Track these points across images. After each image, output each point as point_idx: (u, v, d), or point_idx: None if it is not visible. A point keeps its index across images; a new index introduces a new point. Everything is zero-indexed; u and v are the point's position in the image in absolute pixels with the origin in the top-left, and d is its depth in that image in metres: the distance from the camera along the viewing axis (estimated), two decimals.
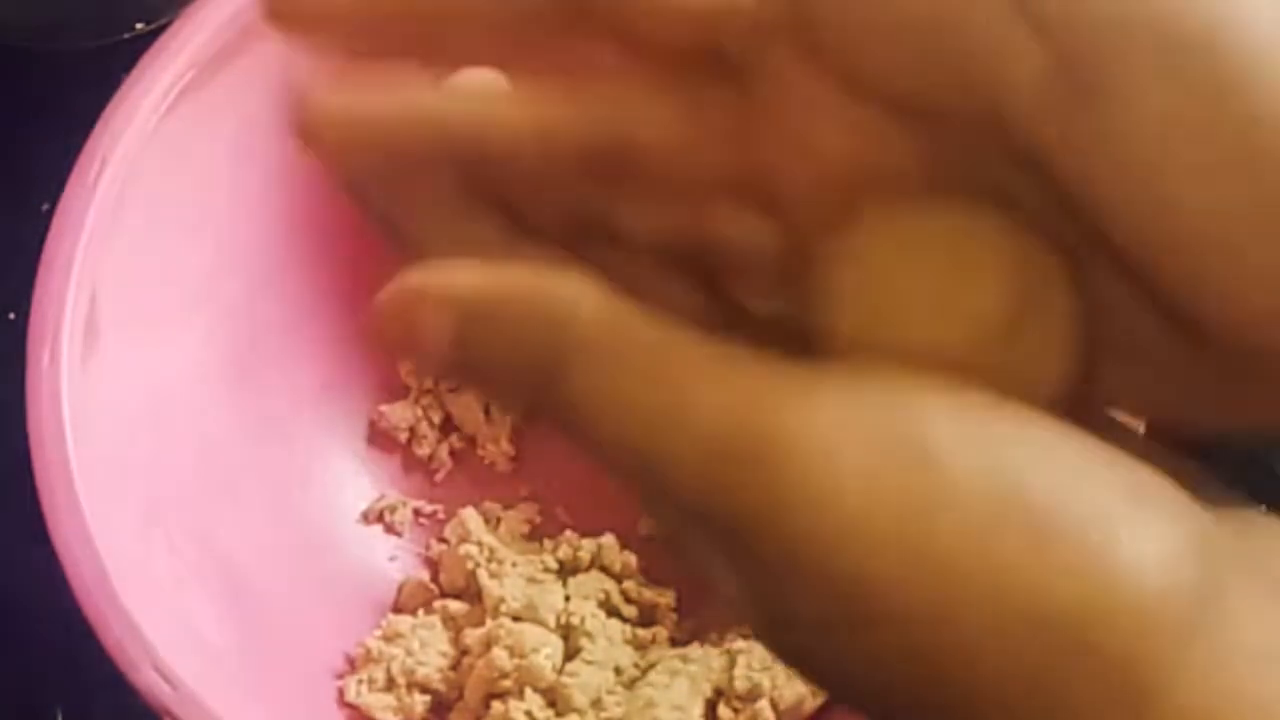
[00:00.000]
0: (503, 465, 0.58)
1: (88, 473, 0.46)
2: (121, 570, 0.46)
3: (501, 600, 0.53)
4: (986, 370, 0.24)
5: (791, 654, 0.24)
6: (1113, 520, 0.21)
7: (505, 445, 0.58)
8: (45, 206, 0.49)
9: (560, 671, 0.52)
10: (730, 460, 0.22)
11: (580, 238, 0.25)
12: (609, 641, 0.53)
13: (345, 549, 0.56)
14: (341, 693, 0.53)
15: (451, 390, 0.58)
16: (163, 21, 0.55)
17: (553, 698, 0.52)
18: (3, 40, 0.61)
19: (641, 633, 0.54)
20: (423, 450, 0.58)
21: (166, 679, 0.45)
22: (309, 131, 0.26)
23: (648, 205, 0.25)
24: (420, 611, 0.55)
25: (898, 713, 0.23)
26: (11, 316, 0.59)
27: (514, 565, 0.54)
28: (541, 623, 0.53)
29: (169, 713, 0.45)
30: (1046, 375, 0.24)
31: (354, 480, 0.57)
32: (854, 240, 0.25)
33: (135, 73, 0.50)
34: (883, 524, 0.21)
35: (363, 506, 0.57)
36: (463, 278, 0.23)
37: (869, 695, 0.23)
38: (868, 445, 0.22)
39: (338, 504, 0.56)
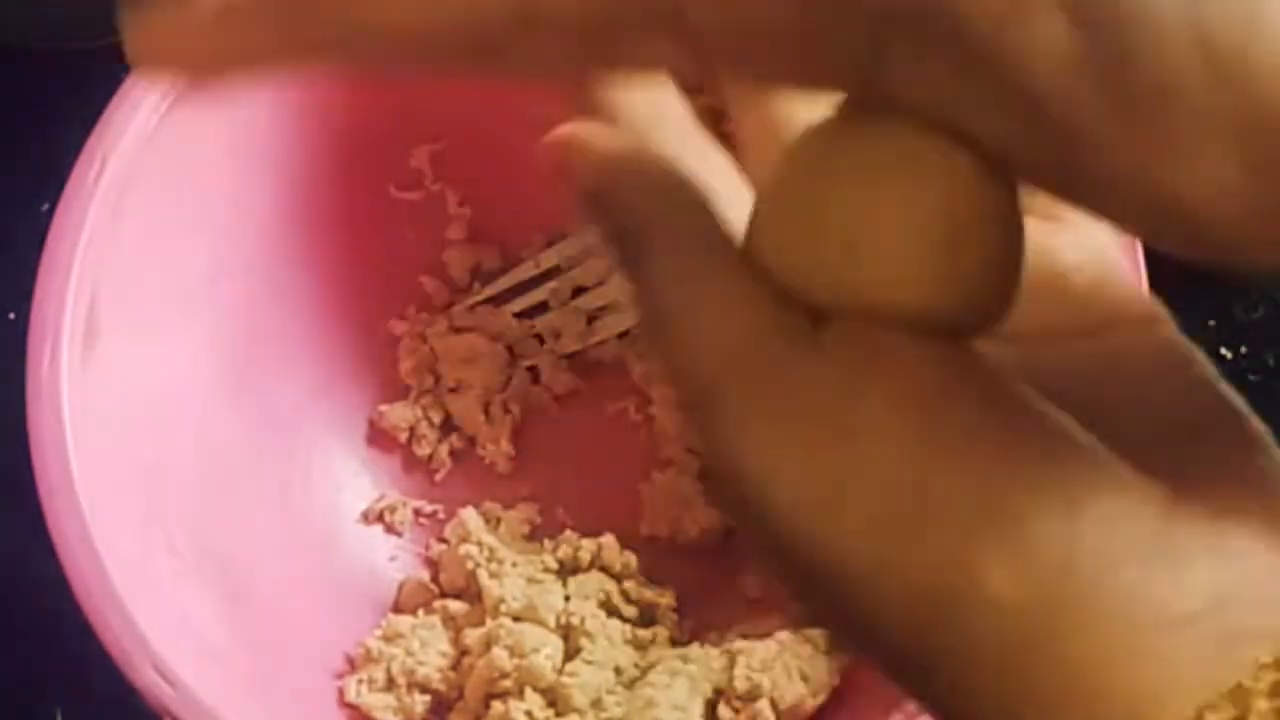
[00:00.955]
0: (503, 465, 0.58)
1: (88, 472, 0.46)
2: (121, 570, 0.46)
3: (501, 600, 0.53)
4: (928, 289, 0.24)
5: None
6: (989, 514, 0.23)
7: (505, 445, 0.58)
8: (45, 206, 0.49)
9: (560, 671, 0.52)
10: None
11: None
12: (609, 642, 0.53)
13: (345, 549, 0.56)
14: (341, 693, 0.53)
15: (452, 391, 0.58)
16: None
17: (553, 697, 0.52)
18: (3, 40, 0.61)
19: (642, 633, 0.54)
20: (423, 450, 0.58)
21: (166, 679, 0.45)
22: None
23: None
24: (420, 611, 0.55)
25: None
26: (12, 316, 0.59)
27: (514, 565, 0.54)
28: (541, 623, 0.53)
29: (169, 712, 0.45)
30: (993, 294, 0.25)
31: (354, 480, 0.57)
32: (788, 165, 0.25)
33: (135, 71, 0.49)
34: (799, 492, 0.24)
35: (363, 507, 0.57)
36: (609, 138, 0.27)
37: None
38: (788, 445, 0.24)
39: (338, 504, 0.57)
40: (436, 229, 0.59)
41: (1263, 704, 0.22)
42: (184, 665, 0.45)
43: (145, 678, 0.45)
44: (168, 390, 0.52)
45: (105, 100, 0.49)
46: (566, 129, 0.27)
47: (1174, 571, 0.23)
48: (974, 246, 0.24)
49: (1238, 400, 0.27)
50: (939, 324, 0.24)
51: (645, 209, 0.26)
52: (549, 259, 0.58)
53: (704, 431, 0.25)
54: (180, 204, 0.52)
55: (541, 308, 0.58)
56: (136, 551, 0.48)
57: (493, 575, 0.54)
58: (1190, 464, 0.25)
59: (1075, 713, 0.23)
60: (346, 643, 0.54)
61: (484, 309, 0.58)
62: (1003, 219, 0.24)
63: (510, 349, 0.58)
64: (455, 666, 0.53)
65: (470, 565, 0.55)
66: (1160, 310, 0.29)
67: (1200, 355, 0.27)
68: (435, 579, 0.55)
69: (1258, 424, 0.26)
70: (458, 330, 0.58)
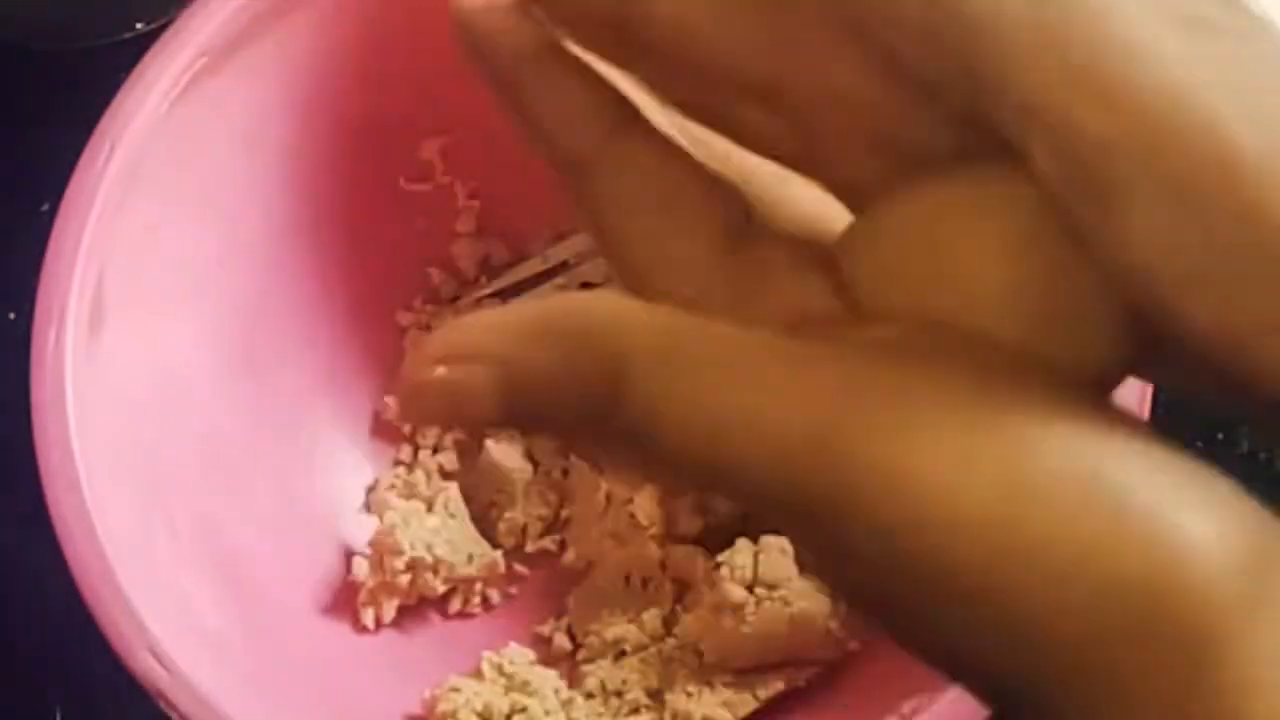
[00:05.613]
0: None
1: (89, 455, 0.46)
2: (121, 553, 0.46)
3: None
4: (1028, 345, 0.24)
5: (871, 615, 0.25)
6: (1178, 504, 0.22)
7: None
8: (45, 206, 0.49)
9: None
10: (806, 469, 0.22)
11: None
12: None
13: (347, 538, 0.56)
14: (339, 680, 0.53)
15: None
16: (163, 21, 0.55)
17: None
18: (3, 40, 0.61)
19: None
20: (426, 442, 0.57)
21: (162, 663, 0.45)
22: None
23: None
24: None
25: (968, 671, 0.24)
26: (12, 316, 0.59)
27: None
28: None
29: (163, 697, 0.45)
30: (1088, 351, 0.24)
31: (357, 470, 0.57)
32: (886, 212, 0.25)
33: (147, 59, 0.50)
34: (972, 515, 0.22)
35: (365, 496, 0.57)
36: (498, 320, 0.23)
37: (947, 658, 0.24)
38: (954, 455, 0.22)
39: (340, 493, 0.56)
40: (445, 221, 0.59)
41: None
42: (181, 650, 0.45)
43: (141, 662, 0.45)
44: (172, 376, 0.52)
45: (105, 100, 0.49)
46: (432, 350, 0.23)
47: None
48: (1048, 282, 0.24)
49: None
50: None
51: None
52: (557, 254, 0.58)
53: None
54: (188, 191, 0.52)
55: None
56: (137, 536, 0.48)
57: None
58: None
59: None
60: (345, 631, 0.54)
61: (491, 302, 0.58)
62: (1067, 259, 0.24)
63: None
64: None
65: None
66: None
67: None
68: (435, 569, 0.55)
69: None
70: None
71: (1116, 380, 0.25)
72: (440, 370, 0.23)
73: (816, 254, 0.26)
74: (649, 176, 0.27)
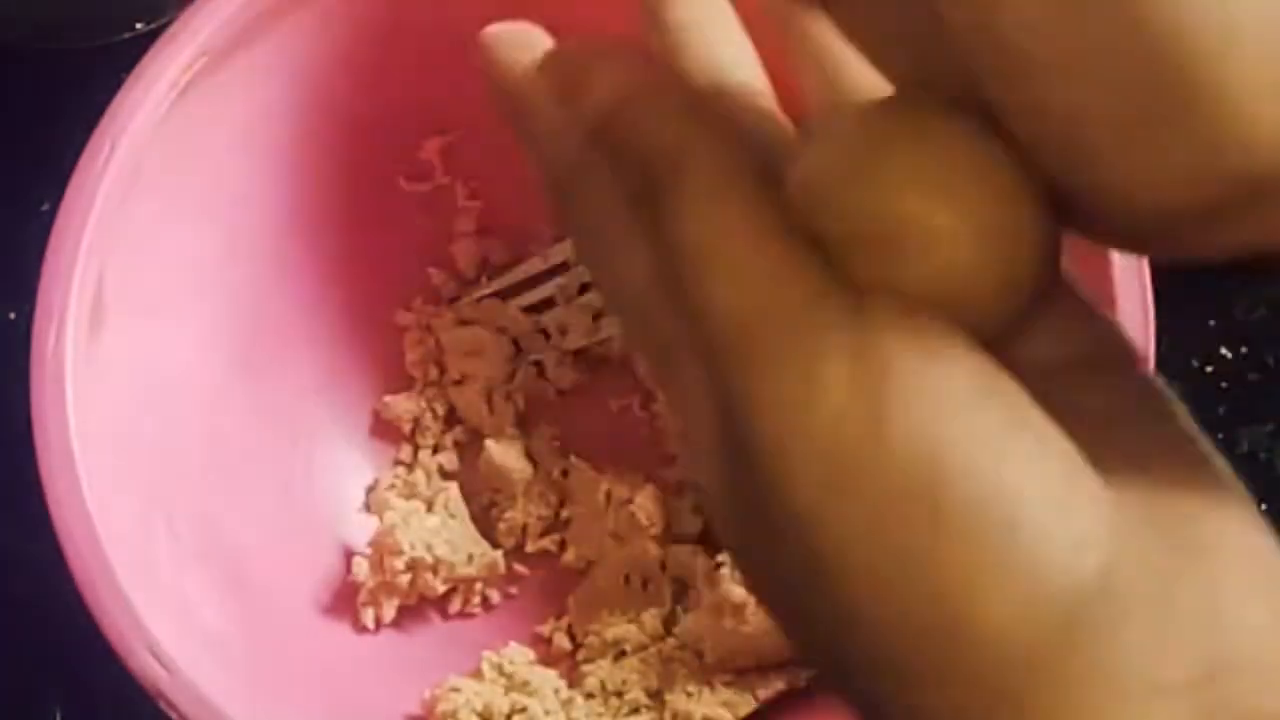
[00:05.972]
0: None
1: (89, 455, 0.46)
2: (121, 554, 0.46)
3: None
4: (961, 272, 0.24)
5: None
6: (1021, 527, 0.22)
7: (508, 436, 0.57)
8: (45, 206, 0.49)
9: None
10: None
11: None
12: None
13: (347, 538, 0.56)
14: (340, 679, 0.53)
15: (457, 383, 0.58)
16: (163, 21, 0.55)
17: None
18: (3, 39, 0.61)
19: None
20: (426, 442, 0.57)
21: (162, 663, 0.45)
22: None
23: None
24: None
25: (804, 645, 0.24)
26: (12, 316, 0.59)
27: None
28: None
29: (163, 696, 0.45)
30: (1024, 272, 0.24)
31: (357, 470, 0.57)
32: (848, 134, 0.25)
33: (147, 59, 0.49)
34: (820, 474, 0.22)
35: (365, 496, 0.57)
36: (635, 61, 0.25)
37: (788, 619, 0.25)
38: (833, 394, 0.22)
39: (340, 493, 0.56)
40: (445, 221, 0.59)
41: None
42: (181, 650, 0.45)
43: (141, 662, 0.45)
44: (172, 376, 0.52)
45: (105, 100, 0.49)
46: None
47: (1165, 636, 0.22)
48: (1012, 243, 0.24)
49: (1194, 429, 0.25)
50: (973, 316, 0.24)
51: (675, 132, 0.24)
52: (557, 254, 0.58)
53: (721, 384, 0.23)
54: (188, 191, 0.52)
55: (549, 303, 0.58)
56: (137, 536, 0.48)
57: None
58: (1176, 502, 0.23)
59: None
60: (346, 631, 0.54)
61: (491, 302, 0.58)
62: (1037, 217, 0.24)
63: (516, 343, 0.58)
64: None
65: None
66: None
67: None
68: (435, 569, 0.55)
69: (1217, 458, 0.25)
70: (464, 323, 0.58)
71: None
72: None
73: None
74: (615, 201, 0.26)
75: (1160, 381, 0.25)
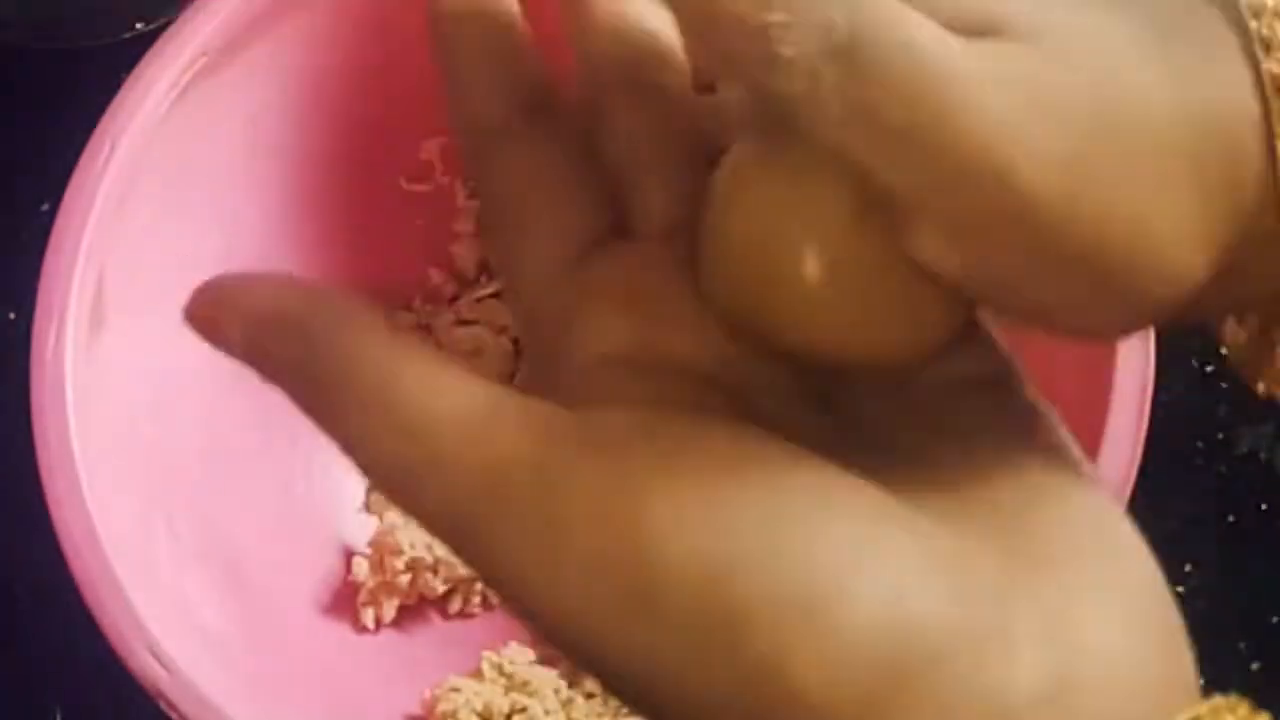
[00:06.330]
0: None
1: (89, 455, 0.46)
2: (121, 554, 0.46)
3: None
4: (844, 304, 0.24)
5: None
6: (815, 599, 0.21)
7: None
8: (45, 206, 0.49)
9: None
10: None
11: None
12: None
13: (347, 538, 0.56)
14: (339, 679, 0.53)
15: None
16: (163, 21, 0.55)
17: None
18: (3, 39, 0.61)
19: None
20: None
21: (161, 662, 0.45)
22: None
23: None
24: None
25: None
26: (12, 316, 0.59)
27: None
28: None
29: (163, 696, 0.45)
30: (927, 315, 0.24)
31: (357, 470, 0.57)
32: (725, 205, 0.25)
33: (147, 59, 0.50)
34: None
35: (364, 496, 0.57)
36: (257, 289, 0.25)
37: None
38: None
39: (340, 492, 0.56)
40: (445, 221, 0.59)
41: None
42: (181, 650, 0.45)
43: (141, 662, 0.45)
44: (172, 376, 0.52)
45: (105, 100, 0.49)
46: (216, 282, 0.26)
47: (1008, 657, 0.21)
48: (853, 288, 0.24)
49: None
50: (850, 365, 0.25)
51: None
52: None
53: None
54: (189, 190, 0.52)
55: None
56: (137, 536, 0.48)
57: None
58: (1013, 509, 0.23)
59: None
60: (346, 631, 0.54)
61: (490, 302, 0.58)
62: (885, 265, 0.24)
63: (515, 343, 0.58)
64: None
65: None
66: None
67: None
68: (435, 569, 0.55)
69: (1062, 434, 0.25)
70: (463, 323, 0.58)
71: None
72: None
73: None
74: (533, 164, 0.27)
75: (1042, 400, 0.26)
